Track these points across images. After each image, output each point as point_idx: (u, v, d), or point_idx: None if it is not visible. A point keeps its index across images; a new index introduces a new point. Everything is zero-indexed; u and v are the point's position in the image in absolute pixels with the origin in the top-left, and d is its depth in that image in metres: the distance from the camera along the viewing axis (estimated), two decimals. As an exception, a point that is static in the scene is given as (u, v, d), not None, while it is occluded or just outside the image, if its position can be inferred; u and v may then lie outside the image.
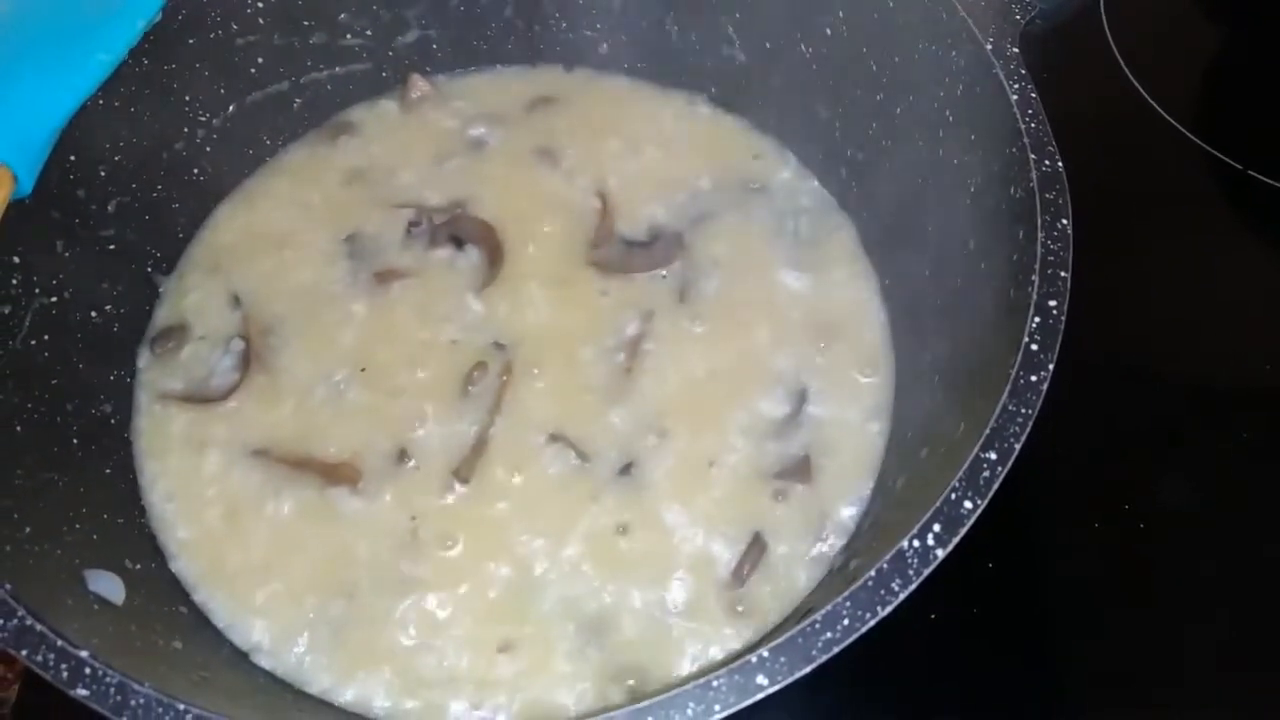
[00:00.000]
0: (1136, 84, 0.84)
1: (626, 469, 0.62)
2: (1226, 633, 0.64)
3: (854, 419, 0.65)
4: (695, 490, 0.62)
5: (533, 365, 0.66)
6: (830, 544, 0.60)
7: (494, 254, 0.71)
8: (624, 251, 0.72)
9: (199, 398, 0.65)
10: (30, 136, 0.57)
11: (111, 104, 0.65)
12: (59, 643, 0.42)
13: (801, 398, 0.65)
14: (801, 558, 0.60)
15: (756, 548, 0.60)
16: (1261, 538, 0.66)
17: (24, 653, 0.42)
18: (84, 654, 0.42)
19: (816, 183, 0.75)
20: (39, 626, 0.43)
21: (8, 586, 0.44)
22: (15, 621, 0.43)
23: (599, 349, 0.67)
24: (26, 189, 0.57)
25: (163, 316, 0.70)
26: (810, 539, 0.61)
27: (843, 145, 0.71)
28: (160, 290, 0.71)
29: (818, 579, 0.60)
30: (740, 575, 0.59)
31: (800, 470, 0.63)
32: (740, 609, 0.58)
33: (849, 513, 0.62)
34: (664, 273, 0.71)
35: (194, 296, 0.70)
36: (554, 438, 0.64)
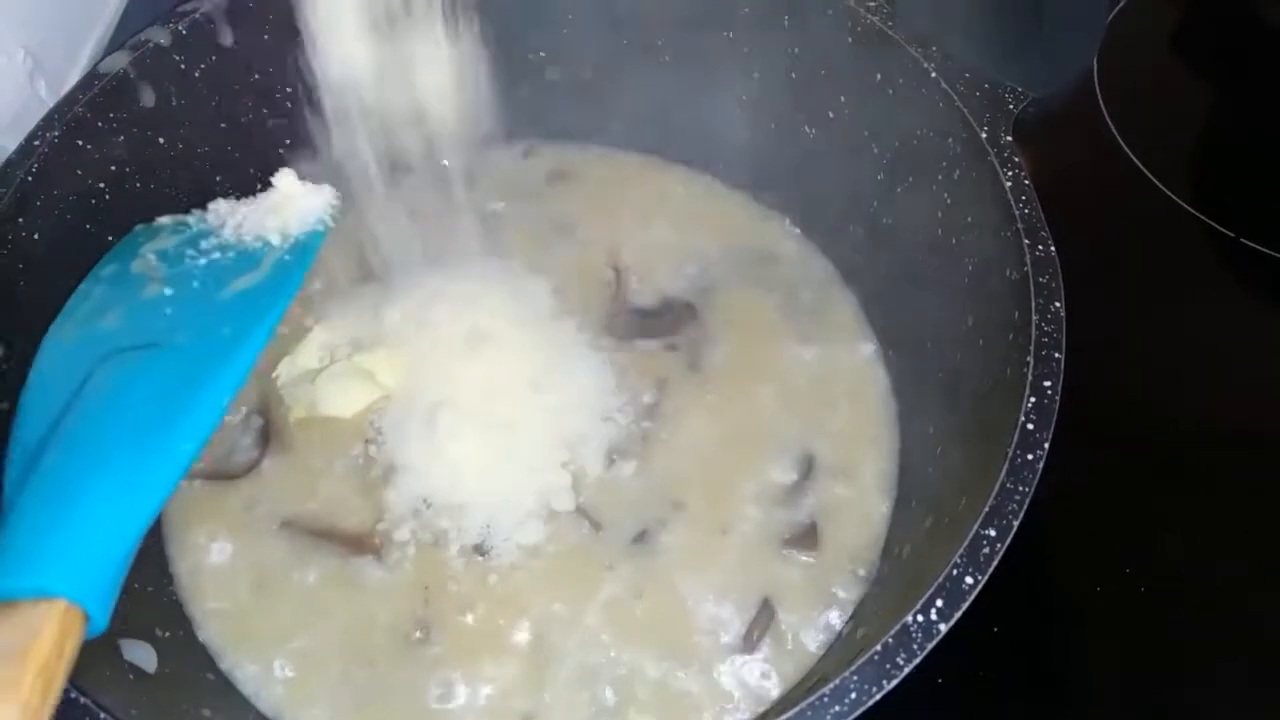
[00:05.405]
0: (1133, 157, 0.87)
1: (640, 537, 0.64)
2: (1234, 692, 0.65)
3: (860, 487, 0.66)
4: (707, 557, 0.64)
5: (547, 434, 0.69)
6: (837, 611, 0.62)
7: (516, 323, 0.73)
8: (637, 321, 0.75)
9: (223, 475, 0.67)
10: (102, 562, 0.43)
11: (148, 185, 0.68)
12: (102, 715, 0.44)
13: (809, 465, 0.67)
14: (810, 624, 0.62)
15: (765, 614, 0.62)
16: (1261, 593, 0.67)
17: (68, 725, 0.44)
18: (125, 726, 0.44)
19: (820, 255, 0.77)
20: (83, 699, 0.45)
21: (52, 660, 0.46)
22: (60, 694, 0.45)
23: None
24: (101, 625, 0.43)
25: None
26: (818, 606, 0.62)
27: (845, 221, 0.74)
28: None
29: (827, 645, 0.61)
30: (750, 642, 0.61)
31: (808, 537, 0.64)
32: (751, 676, 0.60)
33: (855, 580, 0.63)
34: (675, 342, 0.73)
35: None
36: (568, 506, 0.66)
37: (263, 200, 0.62)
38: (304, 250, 0.60)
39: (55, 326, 0.57)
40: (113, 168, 0.66)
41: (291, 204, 0.61)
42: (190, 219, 0.63)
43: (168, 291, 0.56)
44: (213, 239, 0.60)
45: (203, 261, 0.58)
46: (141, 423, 0.47)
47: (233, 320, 0.53)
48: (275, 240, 0.60)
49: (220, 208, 0.63)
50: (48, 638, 0.38)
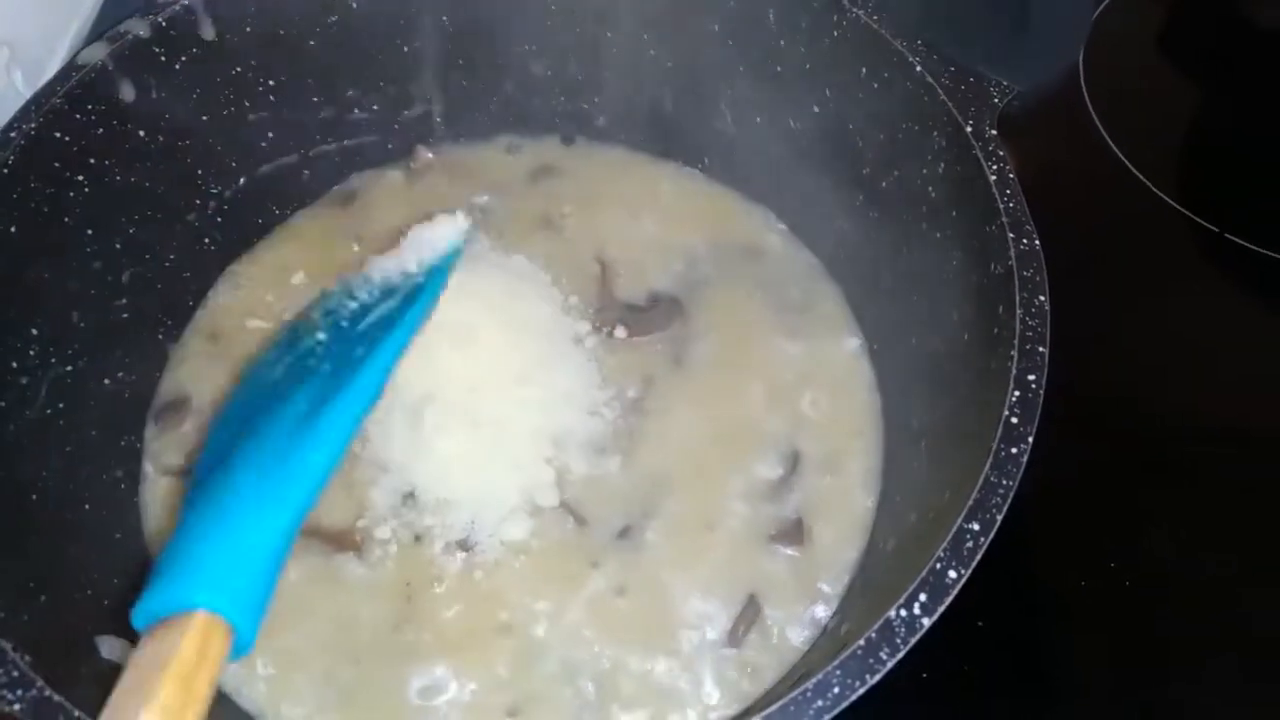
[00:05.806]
0: (1118, 152, 0.87)
1: (625, 533, 0.64)
2: (1220, 687, 0.65)
3: (845, 483, 0.66)
4: (692, 553, 0.64)
5: (532, 430, 0.68)
6: (823, 605, 0.62)
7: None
8: (623, 316, 0.74)
9: (204, 470, 0.67)
10: (242, 572, 0.44)
11: (128, 178, 0.68)
12: (76, 713, 0.44)
13: (794, 460, 0.67)
14: (795, 619, 0.61)
15: (751, 609, 0.61)
16: (1248, 589, 0.68)
17: (42, 723, 0.43)
18: (100, 724, 0.43)
19: (806, 250, 0.77)
20: (56, 697, 0.44)
21: (27, 658, 0.45)
22: (34, 692, 0.44)
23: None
24: (249, 640, 0.43)
25: (166, 388, 0.71)
26: (804, 601, 0.62)
27: (831, 215, 0.73)
28: (169, 358, 0.73)
29: (812, 640, 0.61)
30: (736, 637, 0.61)
31: (793, 533, 0.64)
32: (736, 671, 0.60)
33: (840, 575, 0.63)
34: (661, 337, 0.73)
35: (193, 365, 0.72)
36: (553, 502, 0.65)
37: (405, 245, 0.66)
38: (438, 271, 0.62)
39: (232, 392, 0.60)
40: (91, 160, 0.65)
41: (428, 237, 0.65)
42: (350, 276, 0.65)
43: (322, 336, 0.59)
44: (365, 284, 0.63)
45: (353, 304, 0.61)
46: (281, 442, 0.50)
47: (366, 342, 0.56)
48: (413, 268, 0.63)
49: (374, 262, 0.66)
50: (188, 646, 0.40)
